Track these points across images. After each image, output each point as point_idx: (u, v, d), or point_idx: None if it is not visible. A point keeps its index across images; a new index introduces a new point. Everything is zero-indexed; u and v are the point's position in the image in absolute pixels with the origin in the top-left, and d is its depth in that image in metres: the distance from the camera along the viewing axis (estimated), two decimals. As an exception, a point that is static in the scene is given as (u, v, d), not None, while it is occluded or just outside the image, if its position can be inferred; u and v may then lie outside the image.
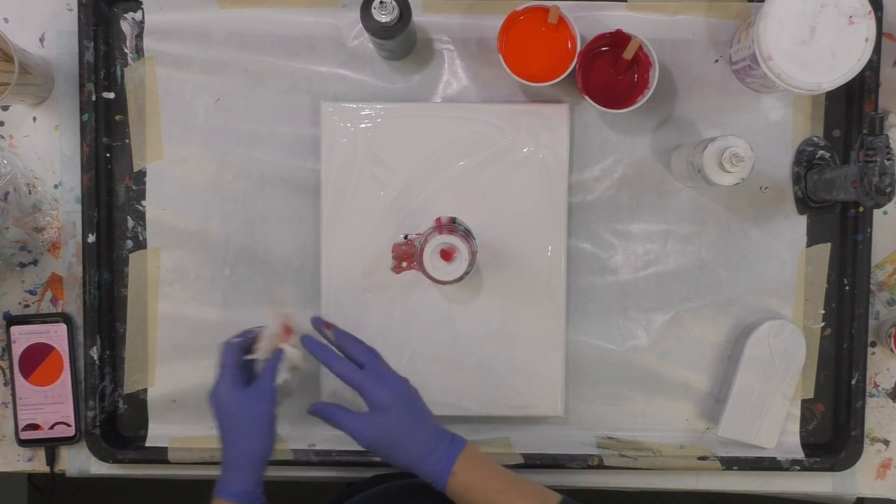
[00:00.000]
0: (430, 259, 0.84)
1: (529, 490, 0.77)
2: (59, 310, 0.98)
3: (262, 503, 0.80)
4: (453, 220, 0.87)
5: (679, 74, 0.95)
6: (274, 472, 0.98)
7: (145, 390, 0.98)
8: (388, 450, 0.79)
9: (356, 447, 0.96)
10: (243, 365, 0.82)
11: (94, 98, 0.94)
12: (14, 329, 0.97)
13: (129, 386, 0.98)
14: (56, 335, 0.97)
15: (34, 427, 0.98)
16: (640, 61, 0.90)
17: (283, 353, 0.83)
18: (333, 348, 0.83)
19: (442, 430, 0.80)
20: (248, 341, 0.83)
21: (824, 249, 0.97)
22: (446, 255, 0.84)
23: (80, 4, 0.93)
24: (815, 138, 0.96)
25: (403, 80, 0.96)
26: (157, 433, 0.98)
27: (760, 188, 0.96)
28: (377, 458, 0.96)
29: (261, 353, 0.83)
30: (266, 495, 0.80)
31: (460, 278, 0.85)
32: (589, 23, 0.94)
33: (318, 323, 0.84)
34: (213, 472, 0.97)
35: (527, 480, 0.79)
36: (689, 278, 0.97)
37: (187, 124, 0.96)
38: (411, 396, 0.81)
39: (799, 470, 0.96)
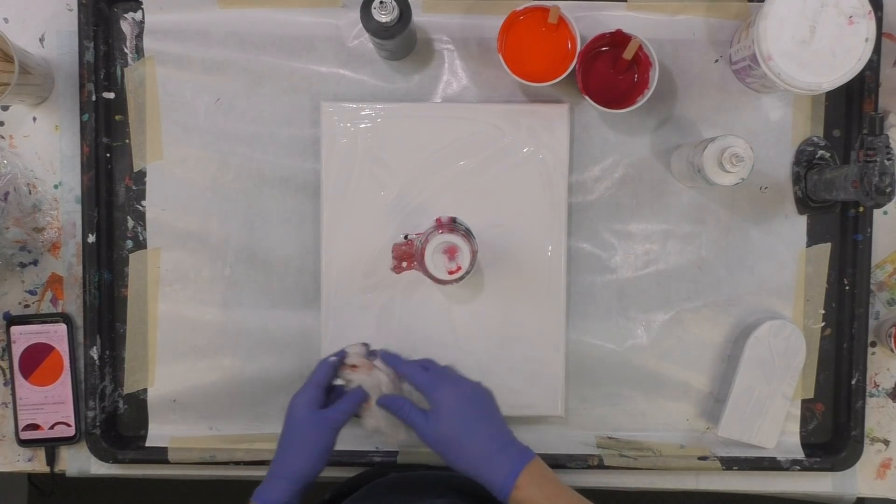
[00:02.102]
0: (432, 258, 0.84)
1: None
2: (59, 310, 0.98)
3: None
4: (453, 220, 0.87)
5: (679, 74, 0.95)
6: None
7: (145, 390, 0.98)
8: (450, 449, 0.77)
9: (356, 447, 0.97)
10: (330, 386, 0.83)
11: (94, 98, 0.94)
12: (14, 329, 0.97)
13: (129, 386, 0.98)
14: (56, 335, 0.97)
15: (34, 427, 0.98)
16: (640, 61, 0.90)
17: (364, 395, 0.83)
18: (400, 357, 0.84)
19: (510, 438, 0.78)
20: (340, 361, 0.84)
21: (824, 249, 0.97)
22: (449, 253, 0.84)
23: (80, 4, 0.93)
24: (815, 138, 0.96)
25: (403, 80, 0.96)
26: (157, 433, 0.98)
27: (760, 188, 0.96)
28: (376, 458, 0.96)
29: (351, 380, 0.84)
30: None
31: (461, 278, 0.85)
32: (589, 23, 0.94)
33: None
34: (213, 472, 0.98)
35: None
36: (689, 278, 0.97)
37: (187, 124, 0.96)
38: (479, 398, 0.80)
39: (799, 470, 0.96)
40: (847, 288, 0.96)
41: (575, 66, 0.88)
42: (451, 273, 0.85)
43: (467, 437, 0.77)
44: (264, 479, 0.80)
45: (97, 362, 0.96)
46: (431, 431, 0.78)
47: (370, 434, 0.85)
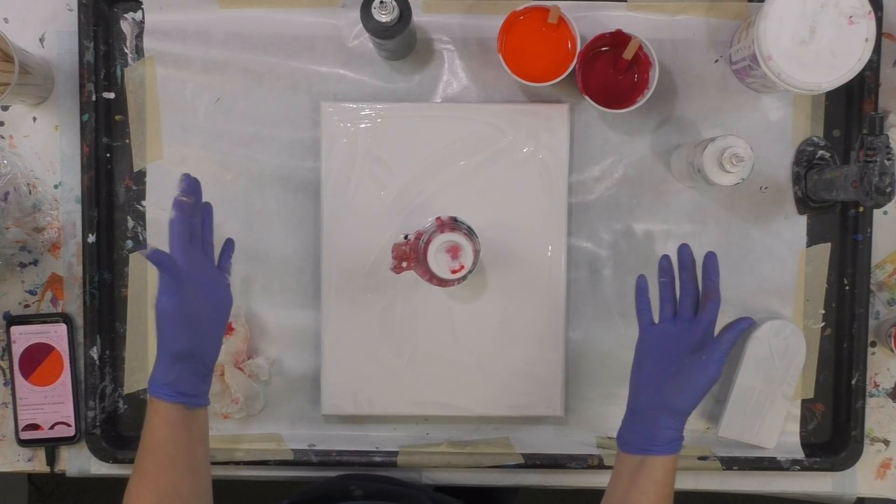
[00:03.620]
0: (435, 257, 0.83)
1: None
2: (59, 310, 0.98)
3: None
4: (454, 219, 0.87)
5: (679, 74, 0.95)
6: (274, 473, 0.98)
7: (145, 390, 0.98)
8: (666, 370, 0.79)
9: (356, 447, 0.96)
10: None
11: (94, 98, 0.94)
12: (14, 329, 0.97)
13: (129, 386, 0.98)
14: (56, 335, 0.97)
15: (34, 427, 0.98)
16: (640, 61, 0.90)
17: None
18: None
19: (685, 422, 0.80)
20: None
21: (824, 249, 0.97)
22: (451, 252, 0.84)
23: (80, 4, 0.93)
24: (815, 138, 0.96)
25: (403, 80, 0.96)
26: (157, 433, 0.98)
27: (760, 188, 0.96)
28: (377, 458, 0.96)
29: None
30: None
31: (464, 277, 0.85)
32: (589, 23, 0.94)
33: None
34: (212, 472, 0.98)
35: None
36: (689, 278, 0.97)
37: (187, 124, 0.96)
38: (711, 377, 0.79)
39: (799, 470, 0.96)
40: (847, 288, 0.96)
41: (575, 66, 0.88)
42: (453, 272, 0.84)
43: (682, 379, 0.78)
44: (170, 369, 0.75)
45: (97, 362, 0.96)
46: (662, 341, 0.82)
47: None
